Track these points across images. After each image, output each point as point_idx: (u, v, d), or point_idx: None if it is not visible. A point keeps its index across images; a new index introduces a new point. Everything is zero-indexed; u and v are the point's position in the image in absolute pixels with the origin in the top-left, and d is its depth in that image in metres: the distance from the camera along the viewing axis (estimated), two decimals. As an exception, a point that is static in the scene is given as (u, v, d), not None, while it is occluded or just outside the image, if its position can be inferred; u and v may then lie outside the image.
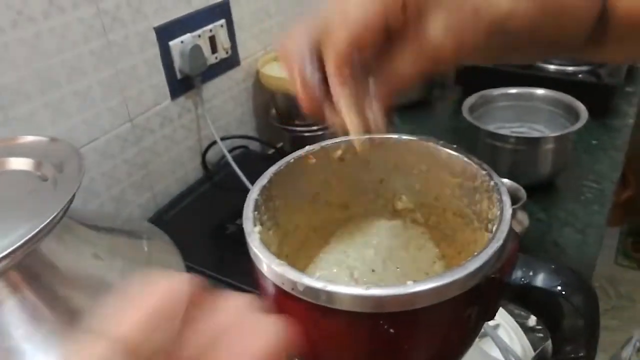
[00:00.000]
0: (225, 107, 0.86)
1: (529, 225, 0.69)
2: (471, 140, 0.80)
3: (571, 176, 0.83)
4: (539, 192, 0.77)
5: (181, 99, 0.77)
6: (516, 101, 0.88)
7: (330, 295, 0.25)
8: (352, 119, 0.31)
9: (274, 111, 0.90)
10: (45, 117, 0.60)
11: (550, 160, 0.79)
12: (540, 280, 0.28)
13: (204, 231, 0.70)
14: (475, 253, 0.26)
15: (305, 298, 0.25)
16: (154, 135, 0.74)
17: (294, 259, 0.37)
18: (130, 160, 0.72)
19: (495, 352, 0.49)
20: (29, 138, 0.45)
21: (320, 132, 0.86)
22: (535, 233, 0.71)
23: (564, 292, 0.28)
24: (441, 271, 0.35)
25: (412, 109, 1.07)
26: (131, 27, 0.68)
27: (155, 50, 0.72)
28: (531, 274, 0.28)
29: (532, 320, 0.55)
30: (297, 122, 0.87)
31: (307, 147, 0.36)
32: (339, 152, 0.36)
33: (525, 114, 0.88)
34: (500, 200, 0.30)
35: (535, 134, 0.85)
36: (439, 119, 1.09)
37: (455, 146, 0.34)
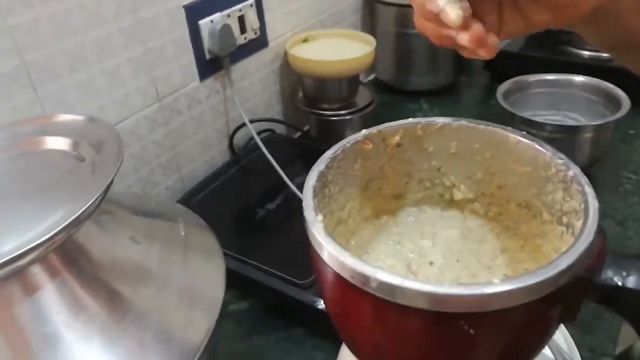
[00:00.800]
0: (253, 89, 0.84)
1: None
2: (504, 128, 0.77)
3: (608, 167, 0.81)
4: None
5: (209, 80, 0.75)
6: (553, 88, 0.85)
7: (406, 292, 0.23)
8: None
9: (301, 94, 0.88)
10: (74, 96, 0.58)
11: (588, 150, 0.76)
12: (633, 281, 0.25)
13: (232, 215, 0.69)
14: (564, 249, 0.24)
15: (378, 294, 0.24)
16: (182, 116, 0.73)
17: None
18: (159, 142, 0.70)
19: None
20: (65, 117, 0.43)
21: (349, 117, 0.84)
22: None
23: None
24: (504, 265, 0.33)
25: (438, 95, 1.04)
26: (161, 4, 0.66)
27: (184, 29, 0.70)
28: (624, 274, 0.26)
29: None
30: (324, 105, 0.84)
31: (364, 131, 0.34)
32: (397, 138, 0.34)
33: (561, 101, 0.85)
34: (583, 192, 0.27)
35: (572, 122, 0.83)
36: (467, 105, 1.07)
37: (524, 132, 0.32)
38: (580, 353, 0.50)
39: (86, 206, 0.34)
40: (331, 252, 0.25)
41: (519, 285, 0.22)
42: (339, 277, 0.25)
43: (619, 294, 0.26)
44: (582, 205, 0.27)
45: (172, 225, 0.48)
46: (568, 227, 0.29)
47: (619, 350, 0.54)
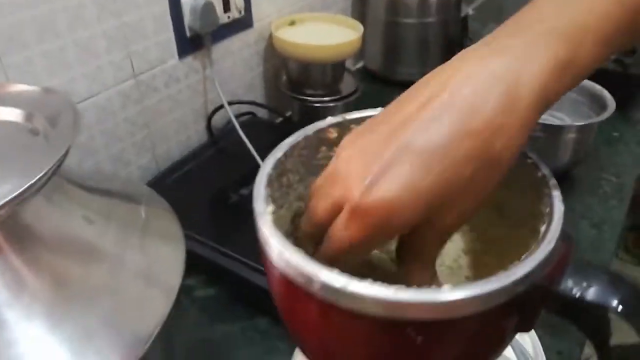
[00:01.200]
0: (235, 71, 0.82)
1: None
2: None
3: (589, 168, 0.80)
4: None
5: (189, 59, 0.73)
6: (539, 86, 0.84)
7: (351, 296, 0.21)
8: None
9: (284, 78, 0.86)
10: (42, 67, 0.56)
11: (571, 151, 0.75)
12: (593, 293, 0.24)
13: (205, 198, 0.67)
14: (523, 256, 0.23)
15: (321, 296, 0.22)
16: (159, 94, 0.70)
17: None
18: (132, 119, 0.68)
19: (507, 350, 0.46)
20: (20, 87, 0.41)
21: (332, 104, 0.82)
22: (550, 225, 0.67)
23: (621, 310, 0.24)
24: (466, 267, 0.32)
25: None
26: (140, -24, 0.63)
27: (164, 4, 0.67)
28: (584, 284, 0.24)
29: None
30: (308, 91, 0.83)
31: (329, 119, 0.32)
32: None
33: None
34: (550, 195, 0.26)
35: (556, 122, 0.82)
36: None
37: None
38: (547, 356, 0.49)
39: (33, 181, 0.33)
40: (275, 248, 0.24)
41: (472, 293, 0.21)
42: (284, 277, 0.24)
43: (578, 307, 0.24)
44: (548, 209, 0.26)
45: (133, 207, 0.46)
46: (533, 232, 0.28)
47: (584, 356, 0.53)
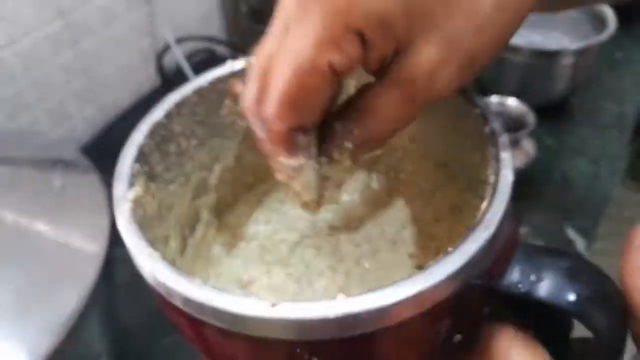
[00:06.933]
0: (185, 1, 0.72)
1: (536, 155, 0.59)
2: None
3: (589, 96, 0.72)
4: (549, 114, 0.66)
5: (129, -10, 0.64)
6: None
7: (218, 312, 0.16)
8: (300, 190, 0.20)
9: (245, 7, 0.77)
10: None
11: (568, 78, 0.67)
12: (545, 289, 0.18)
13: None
14: (450, 248, 0.16)
15: (187, 311, 0.17)
16: (95, 36, 0.62)
17: (214, 229, 0.28)
18: (67, 66, 0.60)
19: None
20: None
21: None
22: (541, 165, 0.60)
23: (580, 309, 0.18)
24: (410, 242, 0.26)
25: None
26: None
27: None
28: (533, 278, 0.18)
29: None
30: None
31: (229, 64, 0.25)
32: None
33: (541, 18, 0.74)
34: (497, 159, 0.19)
35: (552, 46, 0.72)
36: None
37: None
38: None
39: None
40: (132, 248, 0.18)
41: (372, 305, 0.15)
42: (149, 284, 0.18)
43: (527, 305, 0.18)
44: (493, 178, 0.19)
45: (46, 175, 0.40)
46: (481, 200, 0.21)
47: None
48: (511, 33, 0.19)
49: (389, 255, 0.25)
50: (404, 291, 0.16)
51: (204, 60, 0.73)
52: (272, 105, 0.18)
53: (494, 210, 0.18)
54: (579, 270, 0.18)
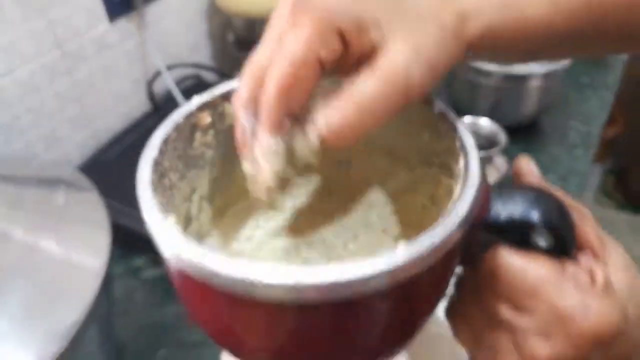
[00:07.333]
0: (176, 31, 0.76)
1: (507, 172, 0.63)
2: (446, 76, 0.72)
3: (557, 117, 0.76)
4: (520, 133, 0.71)
5: (121, 22, 0.67)
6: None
7: (224, 278, 0.19)
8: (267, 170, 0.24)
9: (232, 37, 0.81)
10: (-55, 43, 0.50)
11: (537, 99, 0.72)
12: (519, 212, 0.24)
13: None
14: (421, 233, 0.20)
15: (199, 279, 0.20)
16: (89, 64, 0.65)
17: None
18: (62, 94, 0.63)
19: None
20: None
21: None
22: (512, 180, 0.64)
23: (544, 221, 0.23)
24: (393, 219, 0.29)
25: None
26: None
27: (84, -38, 0.61)
28: (509, 208, 0.24)
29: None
30: (258, 49, 0.77)
31: (196, 99, 0.28)
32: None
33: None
34: (455, 129, 0.25)
35: (522, 70, 0.77)
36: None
37: None
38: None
39: None
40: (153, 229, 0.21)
41: (362, 273, 0.19)
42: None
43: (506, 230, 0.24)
44: (458, 143, 0.24)
45: (49, 193, 0.43)
46: (443, 169, 0.27)
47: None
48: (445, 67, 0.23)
49: (367, 236, 0.29)
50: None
51: (193, 86, 0.76)
52: (271, 92, 0.22)
53: (473, 167, 0.23)
54: (540, 197, 0.24)
